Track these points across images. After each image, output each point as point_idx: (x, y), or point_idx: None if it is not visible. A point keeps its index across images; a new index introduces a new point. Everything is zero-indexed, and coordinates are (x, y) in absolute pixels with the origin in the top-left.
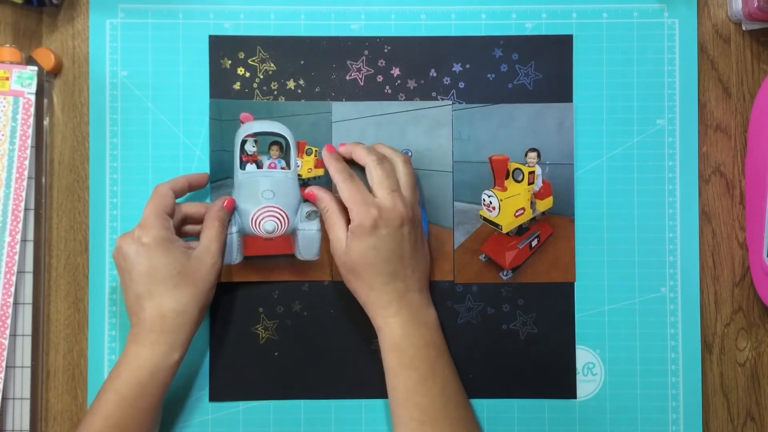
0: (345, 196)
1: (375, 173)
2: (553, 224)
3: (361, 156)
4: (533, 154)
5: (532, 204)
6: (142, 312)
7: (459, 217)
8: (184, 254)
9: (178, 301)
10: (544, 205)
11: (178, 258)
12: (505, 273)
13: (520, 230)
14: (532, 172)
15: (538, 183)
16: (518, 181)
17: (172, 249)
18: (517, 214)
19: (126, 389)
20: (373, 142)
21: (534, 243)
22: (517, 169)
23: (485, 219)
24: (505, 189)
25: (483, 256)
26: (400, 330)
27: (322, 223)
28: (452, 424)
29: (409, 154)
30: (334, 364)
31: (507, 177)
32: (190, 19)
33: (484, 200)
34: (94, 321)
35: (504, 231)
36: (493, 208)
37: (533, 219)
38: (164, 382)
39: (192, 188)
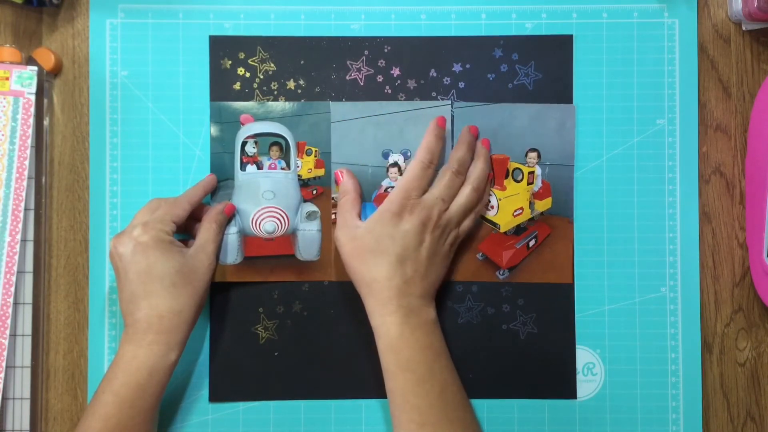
0: (404, 176)
1: (441, 178)
2: (551, 225)
3: (451, 156)
4: (533, 155)
5: (531, 204)
6: (138, 311)
7: None
8: (180, 253)
9: (176, 300)
10: (543, 205)
11: (176, 257)
12: (501, 272)
13: (518, 230)
14: (531, 173)
15: (538, 183)
16: (517, 181)
17: (169, 248)
18: (515, 213)
19: (124, 390)
20: (372, 142)
21: (531, 243)
22: (516, 168)
23: (483, 218)
24: (504, 188)
25: (480, 254)
26: (397, 331)
27: (323, 223)
28: (452, 426)
29: (408, 154)
30: (334, 364)
31: (506, 176)
32: (190, 19)
33: None
34: (94, 321)
35: (502, 230)
36: (492, 207)
37: (531, 219)
38: (162, 383)
39: (206, 194)
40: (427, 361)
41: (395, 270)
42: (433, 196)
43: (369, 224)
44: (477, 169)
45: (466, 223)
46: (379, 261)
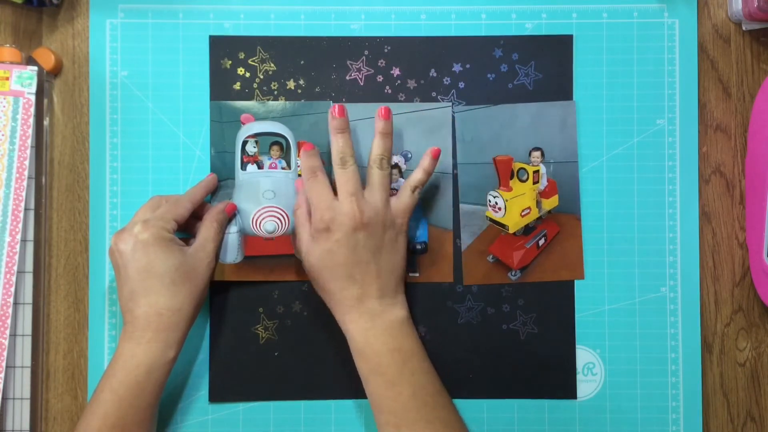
0: (309, 196)
1: (336, 176)
2: (559, 222)
3: (332, 155)
4: (537, 153)
5: (538, 203)
6: (137, 309)
7: (465, 218)
8: (181, 251)
9: (175, 298)
10: (550, 203)
11: (176, 255)
12: (513, 273)
13: (527, 230)
14: (536, 171)
15: (543, 182)
16: (523, 181)
17: (170, 246)
18: (523, 213)
19: (123, 389)
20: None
21: (541, 242)
22: (521, 168)
23: (491, 220)
24: (510, 189)
25: (491, 257)
26: (362, 338)
27: None
28: (430, 427)
29: (409, 156)
30: (334, 364)
31: (512, 177)
32: (190, 19)
33: (490, 201)
34: (94, 321)
35: (510, 231)
36: (499, 209)
37: (539, 218)
38: (161, 380)
39: (207, 194)
40: (396, 364)
41: (346, 281)
42: (343, 195)
43: (309, 246)
44: (373, 148)
45: (401, 201)
46: (328, 276)
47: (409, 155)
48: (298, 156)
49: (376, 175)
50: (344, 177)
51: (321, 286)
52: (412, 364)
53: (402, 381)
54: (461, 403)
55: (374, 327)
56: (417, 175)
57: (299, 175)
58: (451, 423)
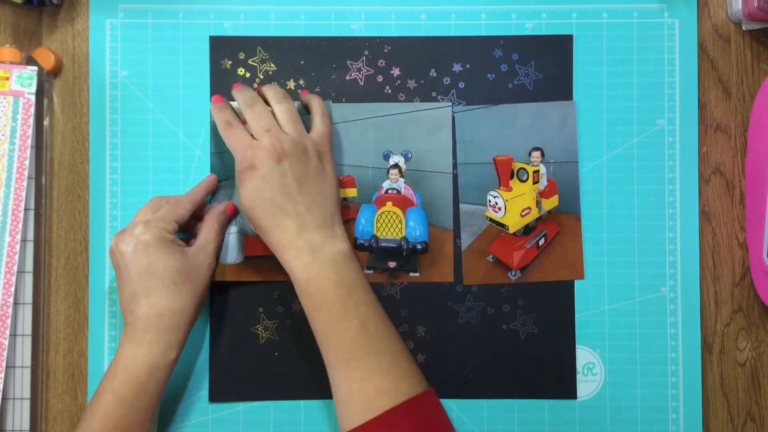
0: (229, 145)
1: (248, 119)
2: (559, 222)
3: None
4: (537, 153)
5: (538, 203)
6: (138, 309)
7: (465, 218)
8: (181, 252)
9: (176, 299)
10: (550, 203)
11: (177, 256)
12: (513, 273)
13: (527, 230)
14: (536, 171)
15: (543, 182)
16: (523, 181)
17: (171, 247)
18: (523, 213)
19: (124, 389)
20: (373, 143)
21: (541, 242)
22: (521, 168)
23: (491, 220)
24: (510, 189)
25: (491, 257)
26: (304, 274)
27: None
28: (378, 358)
29: (409, 156)
30: None
31: (512, 177)
32: (190, 19)
33: (490, 201)
34: (94, 321)
35: (510, 231)
36: (499, 209)
37: (539, 218)
38: (162, 381)
39: (207, 194)
40: (341, 298)
41: (277, 216)
42: (259, 133)
43: (240, 191)
44: (266, 89)
45: (316, 128)
46: (261, 214)
47: (409, 155)
48: None
49: (280, 111)
50: (255, 116)
51: (259, 227)
52: (357, 296)
53: (349, 314)
54: (461, 403)
55: (316, 261)
56: (316, 102)
57: None
58: (397, 353)
